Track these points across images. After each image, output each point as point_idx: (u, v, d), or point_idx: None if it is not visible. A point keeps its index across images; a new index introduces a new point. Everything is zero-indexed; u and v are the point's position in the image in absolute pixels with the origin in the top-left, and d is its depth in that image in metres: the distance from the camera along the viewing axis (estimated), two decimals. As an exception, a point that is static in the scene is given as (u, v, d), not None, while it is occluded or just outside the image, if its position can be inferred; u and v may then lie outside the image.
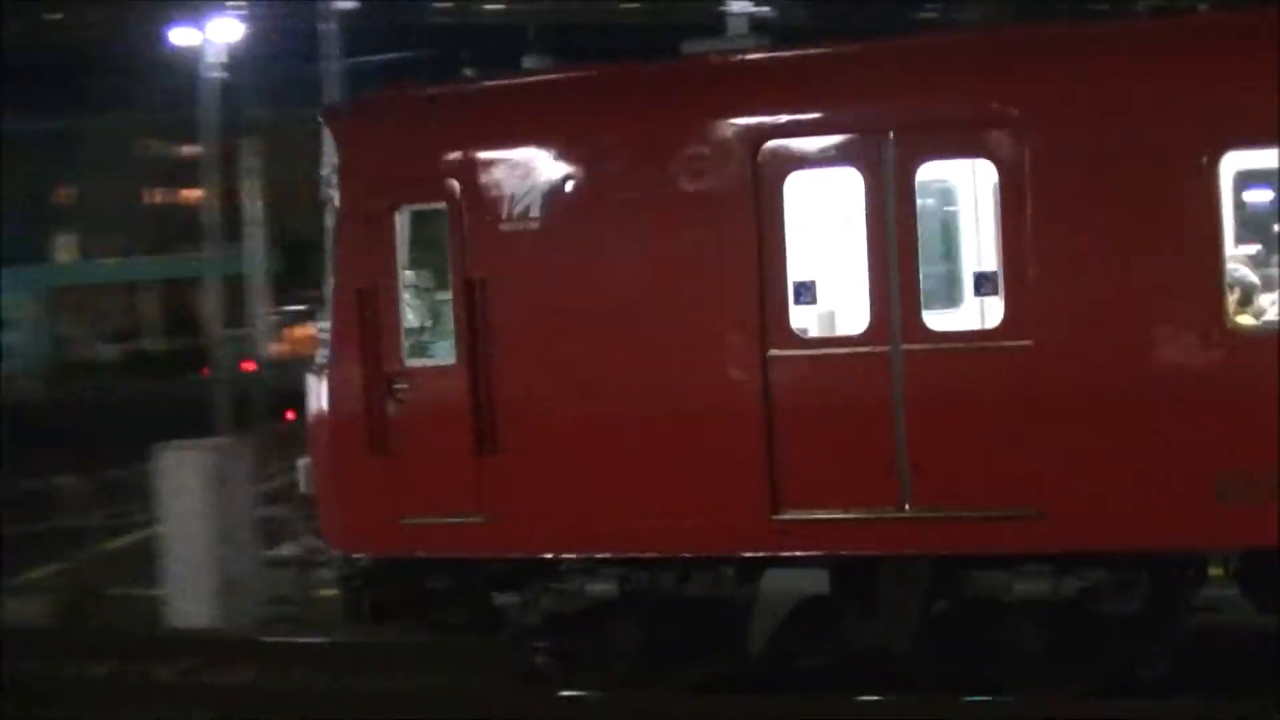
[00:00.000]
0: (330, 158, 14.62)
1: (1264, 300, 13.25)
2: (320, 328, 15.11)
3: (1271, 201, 13.34)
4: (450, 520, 14.05)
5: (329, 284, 14.59)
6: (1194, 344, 12.44)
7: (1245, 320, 12.78)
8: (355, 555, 14.76)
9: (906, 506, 13.03)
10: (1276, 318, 13.01)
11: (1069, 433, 12.65)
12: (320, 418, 14.66)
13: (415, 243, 14.37)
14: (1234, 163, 12.66)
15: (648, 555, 13.69)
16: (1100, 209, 12.61)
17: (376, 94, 15.67)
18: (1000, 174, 12.89)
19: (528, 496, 13.79)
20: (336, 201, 14.48)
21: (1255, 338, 12.53)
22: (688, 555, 13.61)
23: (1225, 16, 12.92)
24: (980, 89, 13.05)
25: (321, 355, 14.77)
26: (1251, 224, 13.56)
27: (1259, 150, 12.48)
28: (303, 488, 15.46)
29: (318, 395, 14.68)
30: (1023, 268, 12.68)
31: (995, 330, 12.95)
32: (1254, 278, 13.27)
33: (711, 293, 13.35)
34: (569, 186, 13.77)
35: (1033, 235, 12.65)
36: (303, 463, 15.24)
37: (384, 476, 14.20)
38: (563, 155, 13.83)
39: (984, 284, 13.14)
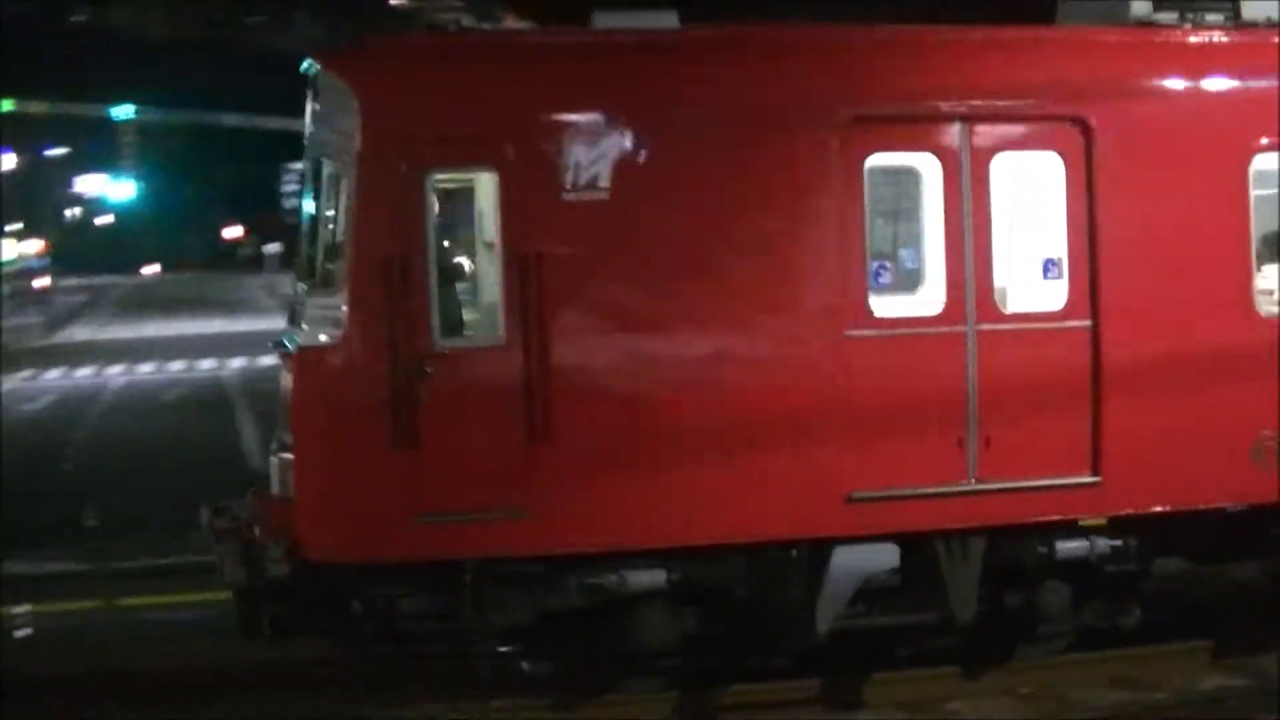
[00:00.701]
0: (333, 107, 12.96)
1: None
2: (309, 303, 13.40)
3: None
4: (485, 517, 12.69)
5: (337, 252, 12.88)
6: (1231, 325, 13.70)
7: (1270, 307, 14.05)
8: (351, 561, 12.83)
9: (973, 480, 13.49)
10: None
11: (1126, 405, 13.54)
12: (319, 406, 12.82)
13: (451, 210, 13.09)
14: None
15: (716, 543, 13.19)
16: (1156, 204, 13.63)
17: (404, 38, 13.59)
18: (1067, 167, 13.59)
19: (583, 487, 12.79)
20: (346, 158, 12.74)
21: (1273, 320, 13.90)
22: (758, 540, 13.29)
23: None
24: (1051, 87, 13.65)
25: (318, 334, 12.95)
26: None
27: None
28: (275, 489, 13.15)
29: (311, 380, 12.90)
30: (1086, 254, 13.53)
31: (1059, 312, 13.64)
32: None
33: (794, 272, 13.17)
34: (645, 155, 12.89)
35: (1096, 225, 13.52)
36: (277, 459, 13.15)
37: (403, 471, 12.57)
38: (643, 121, 12.92)
39: (1051, 268, 13.80)
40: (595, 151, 12.77)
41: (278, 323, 19.81)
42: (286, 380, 13.44)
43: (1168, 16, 14.41)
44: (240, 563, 13.60)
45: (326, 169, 13.20)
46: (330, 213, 13.16)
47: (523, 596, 13.19)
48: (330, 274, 13.04)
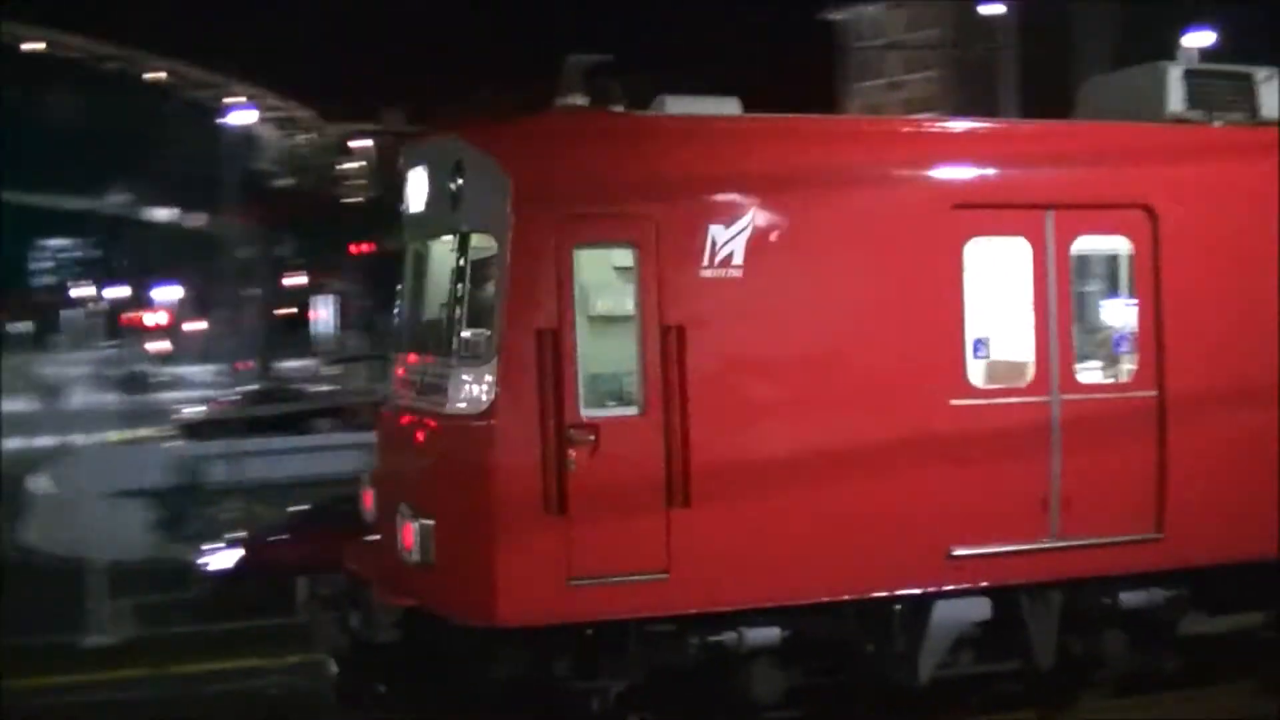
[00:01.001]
0: (481, 181, 13.52)
1: None
2: (445, 374, 13.80)
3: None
4: (631, 579, 13.31)
5: (488, 321, 13.42)
6: (1269, 392, 15.26)
7: None
8: (506, 626, 13.17)
9: (1054, 536, 14.65)
10: None
11: (1186, 468, 14.90)
12: (469, 473, 13.27)
13: (593, 284, 13.66)
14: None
15: (834, 599, 14.11)
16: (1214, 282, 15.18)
17: (547, 117, 14.11)
18: (1136, 250, 15.05)
19: (719, 549, 13.48)
20: (493, 233, 13.38)
21: None
22: (871, 595, 14.24)
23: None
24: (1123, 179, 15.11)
25: (463, 404, 13.50)
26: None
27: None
28: (416, 556, 13.55)
29: (460, 448, 13.39)
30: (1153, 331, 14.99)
31: (1129, 383, 15.06)
32: None
33: (905, 346, 14.18)
34: (774, 235, 13.79)
35: (1162, 304, 15.00)
36: (418, 525, 13.53)
37: (555, 536, 13.05)
38: (772, 203, 13.81)
39: (1122, 343, 15.26)
40: (729, 230, 13.61)
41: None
42: (409, 448, 14.00)
43: (1196, 114, 15.98)
44: (343, 631, 14.39)
45: (471, 244, 13.74)
46: (473, 286, 13.73)
47: (650, 656, 13.85)
48: (474, 345, 13.52)
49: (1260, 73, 16.30)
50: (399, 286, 15.79)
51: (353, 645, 14.59)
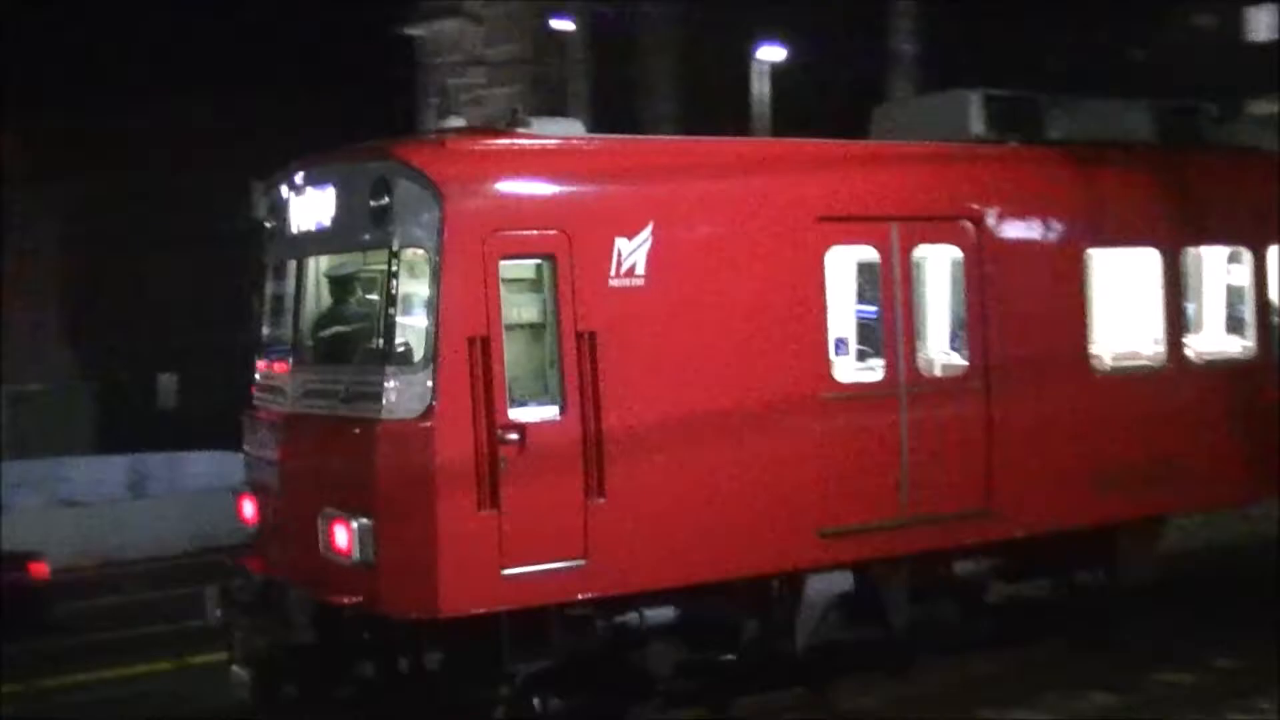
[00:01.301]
0: (388, 199, 14.39)
1: None
2: (379, 378, 14.27)
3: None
4: (555, 566, 14.34)
5: (416, 329, 14.29)
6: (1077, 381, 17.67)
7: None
8: (439, 615, 14.01)
9: (906, 514, 16.43)
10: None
11: (1008, 451, 16.98)
12: (407, 474, 13.97)
13: (512, 294, 14.47)
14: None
15: (729, 578, 15.46)
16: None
17: (469, 142, 15.02)
18: (965, 256, 17.01)
19: (629, 536, 14.65)
20: (418, 244, 14.27)
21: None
22: (757, 574, 15.73)
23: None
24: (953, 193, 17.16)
25: (398, 409, 14.05)
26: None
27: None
28: (357, 555, 14.04)
29: (398, 450, 14.02)
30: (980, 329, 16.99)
31: (960, 377, 16.99)
32: None
33: (782, 346, 15.68)
34: (669, 248, 15.02)
35: (986, 305, 17.08)
36: (356, 525, 14.04)
37: (490, 529, 14.01)
38: (667, 218, 15.08)
39: (956, 340, 17.21)
40: (633, 243, 14.92)
41: None
42: (328, 453, 14.77)
43: (993, 135, 18.15)
44: (259, 634, 15.15)
45: (404, 258, 14.44)
46: (384, 297, 14.58)
47: (560, 642, 14.94)
48: (407, 353, 14.29)
49: (1043, 98, 18.60)
50: (266, 299, 16.64)
51: (269, 648, 15.23)
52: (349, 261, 15.63)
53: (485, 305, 14.10)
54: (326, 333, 15.69)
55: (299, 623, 14.98)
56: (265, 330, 16.80)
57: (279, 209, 16.17)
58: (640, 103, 50.19)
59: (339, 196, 15.24)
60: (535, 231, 14.49)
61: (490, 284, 14.16)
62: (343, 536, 14.22)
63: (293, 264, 16.10)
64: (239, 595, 15.61)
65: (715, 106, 45.07)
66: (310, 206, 15.62)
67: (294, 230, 15.89)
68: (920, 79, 19.50)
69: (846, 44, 43.97)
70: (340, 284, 15.77)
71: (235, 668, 15.63)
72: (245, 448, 16.63)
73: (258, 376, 16.68)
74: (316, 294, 15.95)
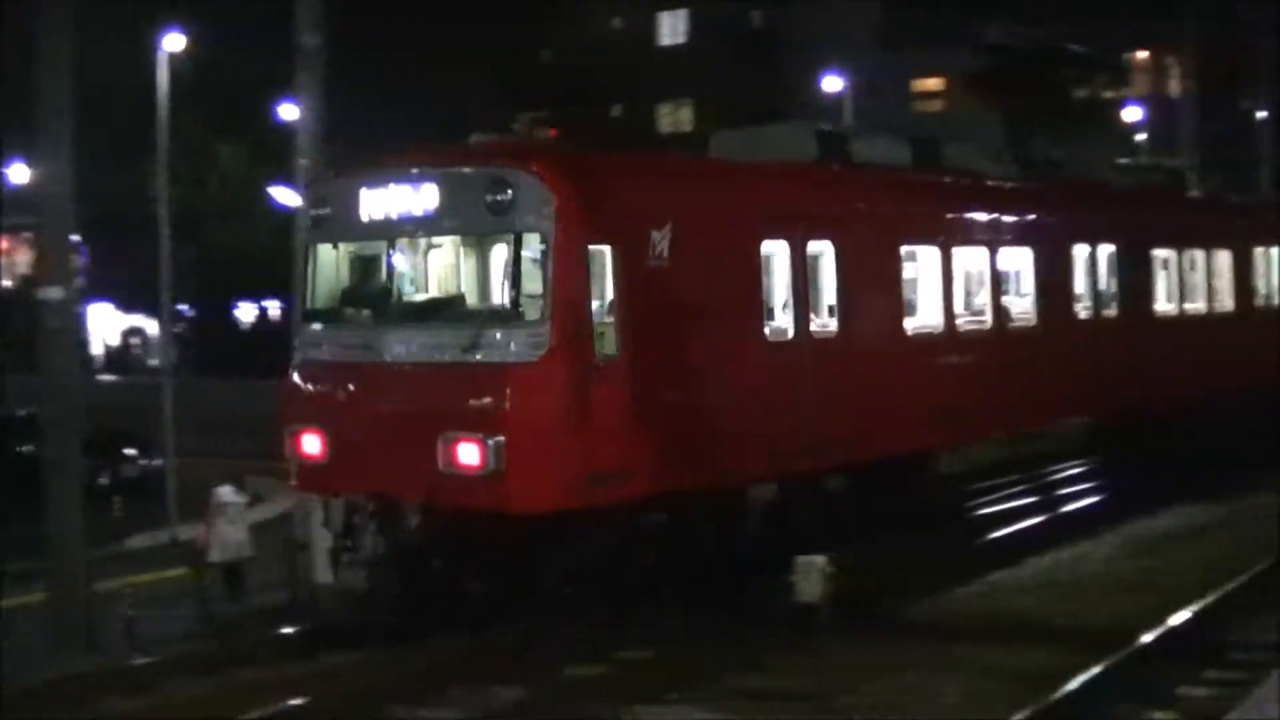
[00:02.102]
0: (512, 194, 18.91)
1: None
2: (502, 332, 18.92)
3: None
4: (618, 476, 18.95)
5: (537, 296, 18.84)
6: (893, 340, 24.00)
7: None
8: (552, 510, 18.52)
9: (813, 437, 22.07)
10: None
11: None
12: (531, 401, 18.44)
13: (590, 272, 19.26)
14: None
15: (728, 487, 20.95)
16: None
17: (580, 157, 20.34)
18: (836, 249, 22.67)
19: (664, 451, 19.46)
20: (538, 229, 18.78)
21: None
22: (746, 483, 21.43)
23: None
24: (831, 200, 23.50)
25: (521, 354, 18.62)
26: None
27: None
28: (490, 467, 18.13)
29: (524, 384, 18.45)
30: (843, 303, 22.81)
31: (833, 336, 22.70)
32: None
33: (740, 309, 21.29)
34: (680, 239, 19.96)
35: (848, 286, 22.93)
36: (492, 443, 18.10)
37: (582, 444, 18.62)
38: (677, 215, 20.08)
39: (832, 311, 22.73)
40: (660, 236, 19.86)
41: None
42: (441, 391, 19.02)
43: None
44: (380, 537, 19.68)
45: (525, 241, 18.98)
46: (512, 268, 19.23)
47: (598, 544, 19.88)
48: (517, 311, 18.87)
49: (852, 128, 26.95)
50: (325, 275, 20.99)
51: (390, 550, 19.59)
52: (457, 243, 20.48)
53: (579, 278, 18.93)
54: (435, 298, 20.36)
55: (409, 526, 19.36)
56: (325, 301, 20.94)
57: (346, 200, 20.41)
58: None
59: (446, 190, 19.64)
60: (603, 223, 19.32)
61: (582, 262, 19.00)
62: (473, 454, 18.34)
63: (379, 245, 20.37)
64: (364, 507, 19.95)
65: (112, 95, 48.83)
66: (402, 198, 19.90)
67: (377, 217, 20.14)
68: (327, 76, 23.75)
69: (252, 36, 47.54)
70: (450, 261, 20.58)
71: (350, 570, 19.91)
72: (301, 394, 20.68)
73: (316, 337, 20.89)
74: (415, 269, 20.51)
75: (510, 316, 19.01)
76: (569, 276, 18.84)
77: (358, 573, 19.82)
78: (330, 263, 20.95)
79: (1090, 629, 19.80)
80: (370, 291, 20.59)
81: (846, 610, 19.25)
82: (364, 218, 20.36)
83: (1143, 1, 66.07)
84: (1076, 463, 33.35)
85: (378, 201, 20.24)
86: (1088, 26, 62.41)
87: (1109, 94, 67.43)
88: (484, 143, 21.46)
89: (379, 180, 20.30)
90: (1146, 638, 18.19)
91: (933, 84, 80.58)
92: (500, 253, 20.16)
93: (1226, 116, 67.61)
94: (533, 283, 19.02)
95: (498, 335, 18.93)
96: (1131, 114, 65.15)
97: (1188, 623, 19.17)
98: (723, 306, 20.74)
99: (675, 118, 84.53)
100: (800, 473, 21.97)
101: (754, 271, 21.34)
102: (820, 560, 18.78)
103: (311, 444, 20.26)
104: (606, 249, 19.31)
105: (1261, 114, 68.37)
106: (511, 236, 19.18)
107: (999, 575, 23.89)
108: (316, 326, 20.97)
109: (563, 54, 79.11)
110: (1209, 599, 20.34)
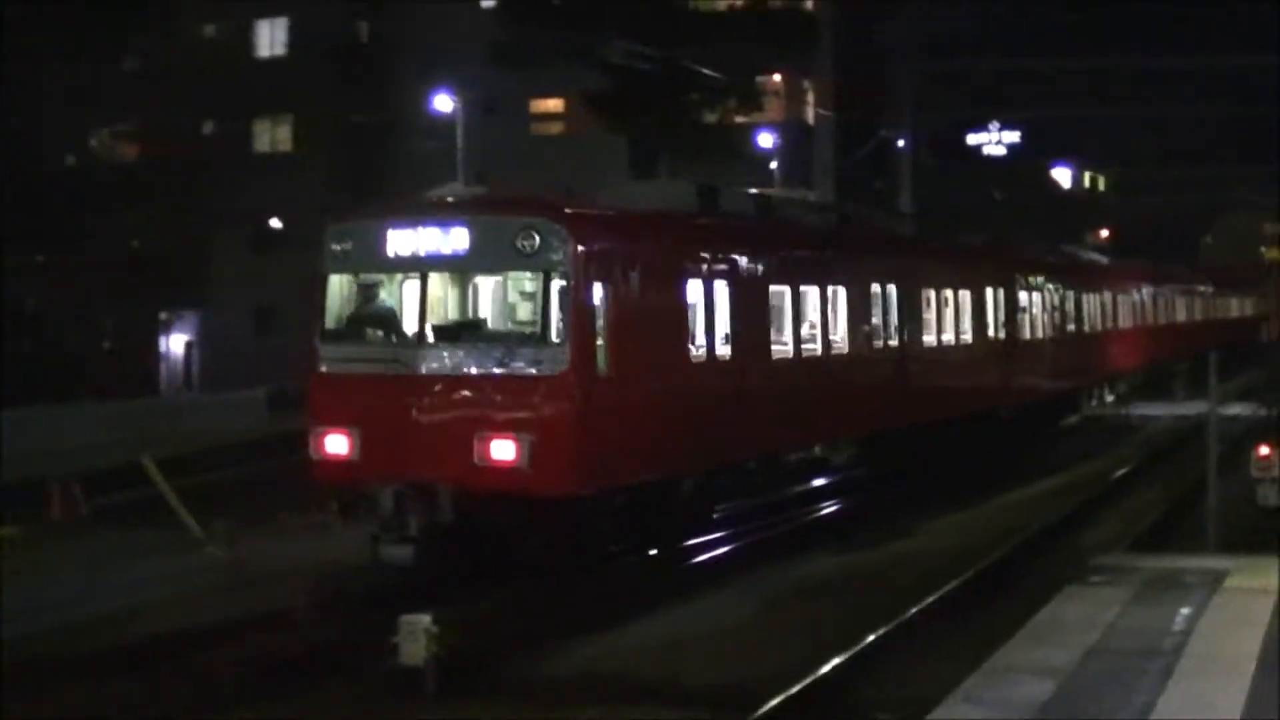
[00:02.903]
0: (540, 240, 25.30)
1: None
2: (522, 350, 25.40)
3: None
4: (615, 461, 26.20)
5: (556, 319, 25.31)
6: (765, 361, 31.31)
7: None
8: (574, 494, 25.42)
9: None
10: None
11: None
12: (556, 404, 25.03)
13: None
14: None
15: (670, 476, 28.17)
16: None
17: (587, 210, 27.98)
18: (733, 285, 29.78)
19: (640, 444, 26.67)
20: (560, 270, 25.26)
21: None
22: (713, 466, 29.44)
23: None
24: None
25: (547, 368, 25.09)
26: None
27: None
28: (523, 461, 24.61)
29: (549, 391, 25.00)
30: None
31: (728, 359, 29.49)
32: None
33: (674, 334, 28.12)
34: (646, 276, 27.09)
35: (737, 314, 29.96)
36: (525, 440, 24.61)
37: (593, 439, 25.60)
38: (642, 261, 27.21)
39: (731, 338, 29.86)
40: (637, 272, 26.88)
41: None
42: (477, 397, 25.28)
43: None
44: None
45: (551, 278, 25.45)
46: (542, 301, 25.63)
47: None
48: (544, 335, 25.46)
49: (720, 187, 32.97)
50: (353, 302, 26.86)
51: (426, 529, 25.10)
52: (486, 278, 27.31)
53: (590, 308, 25.61)
54: (465, 321, 26.92)
55: (445, 507, 25.13)
56: (348, 323, 26.81)
57: (369, 238, 26.54)
58: None
59: (478, 234, 25.91)
60: (602, 266, 26.02)
61: (592, 296, 25.68)
62: (507, 449, 24.84)
63: (409, 279, 26.53)
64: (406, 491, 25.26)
65: None
66: (432, 238, 26.01)
67: (404, 254, 26.25)
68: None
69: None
70: (477, 292, 27.53)
71: (390, 546, 25.14)
72: (329, 401, 26.40)
73: (340, 354, 26.46)
74: (447, 298, 27.24)
75: (536, 338, 25.67)
76: (583, 307, 25.52)
77: (402, 549, 25.18)
78: (351, 291, 26.92)
79: (731, 686, 20.06)
80: (401, 315, 26.75)
81: (459, 672, 18.90)
82: (390, 254, 26.39)
83: (778, 24, 67.60)
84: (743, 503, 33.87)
85: (405, 240, 26.29)
86: (719, 48, 63.40)
87: (741, 118, 68.54)
88: (506, 196, 29.24)
89: (407, 222, 26.43)
90: (783, 695, 18.52)
91: (553, 105, 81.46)
92: (525, 286, 26.80)
93: (863, 143, 69.44)
94: (554, 311, 25.46)
95: (526, 353, 25.46)
96: (765, 140, 66.51)
97: (835, 671, 19.78)
98: (663, 333, 27.71)
99: (274, 135, 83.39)
100: (719, 464, 29.73)
101: (682, 305, 28.33)
102: (425, 620, 19.38)
103: (339, 443, 26.02)
104: (603, 286, 25.95)
105: (901, 142, 70.63)
106: (540, 275, 25.70)
107: (645, 624, 24.21)
108: (339, 345, 26.64)
109: (149, 63, 77.19)
110: (856, 648, 20.98)
